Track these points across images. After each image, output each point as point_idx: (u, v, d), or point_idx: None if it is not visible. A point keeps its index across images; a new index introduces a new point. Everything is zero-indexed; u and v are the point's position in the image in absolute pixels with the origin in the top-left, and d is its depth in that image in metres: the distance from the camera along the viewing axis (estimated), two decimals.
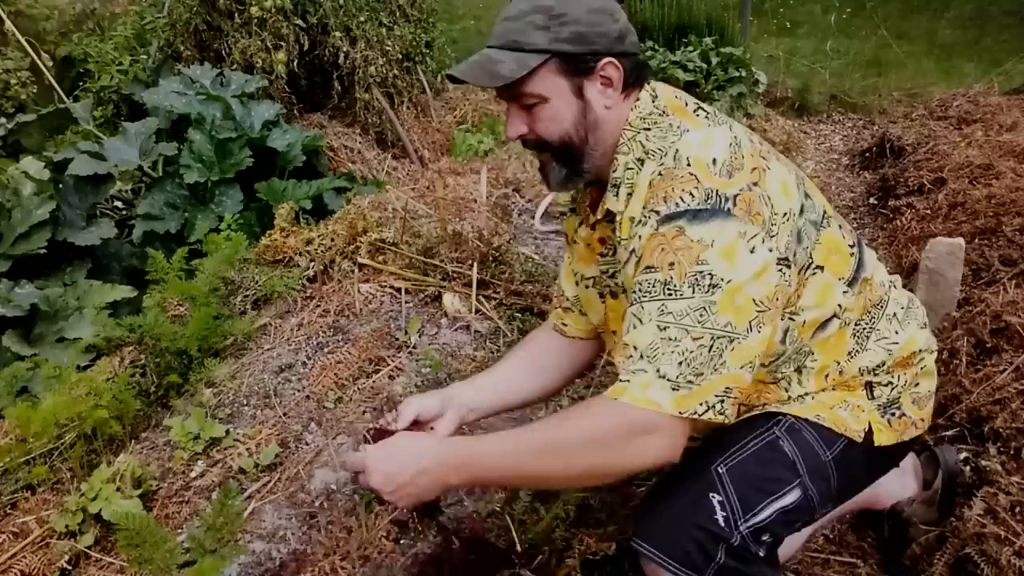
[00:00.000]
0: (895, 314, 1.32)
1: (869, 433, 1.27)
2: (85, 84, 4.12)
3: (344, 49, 4.00)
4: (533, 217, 3.21)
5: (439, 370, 2.13)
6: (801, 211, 1.17)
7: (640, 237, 1.11)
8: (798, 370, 1.27)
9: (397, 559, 1.57)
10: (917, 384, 1.34)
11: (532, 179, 3.44)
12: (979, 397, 1.77)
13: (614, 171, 1.20)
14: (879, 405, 1.30)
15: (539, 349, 1.51)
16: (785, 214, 1.13)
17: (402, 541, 1.63)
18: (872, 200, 3.72)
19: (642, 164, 1.16)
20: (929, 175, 3.23)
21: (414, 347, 2.26)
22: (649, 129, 1.18)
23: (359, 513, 1.64)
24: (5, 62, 3.92)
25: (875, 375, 1.29)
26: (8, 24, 3.99)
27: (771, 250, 1.08)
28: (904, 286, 2.60)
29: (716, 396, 1.06)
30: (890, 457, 1.37)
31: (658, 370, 1.04)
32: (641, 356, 1.06)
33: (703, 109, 1.21)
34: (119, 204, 3.53)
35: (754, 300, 1.07)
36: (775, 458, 1.19)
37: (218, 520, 1.41)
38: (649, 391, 1.04)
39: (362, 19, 4.04)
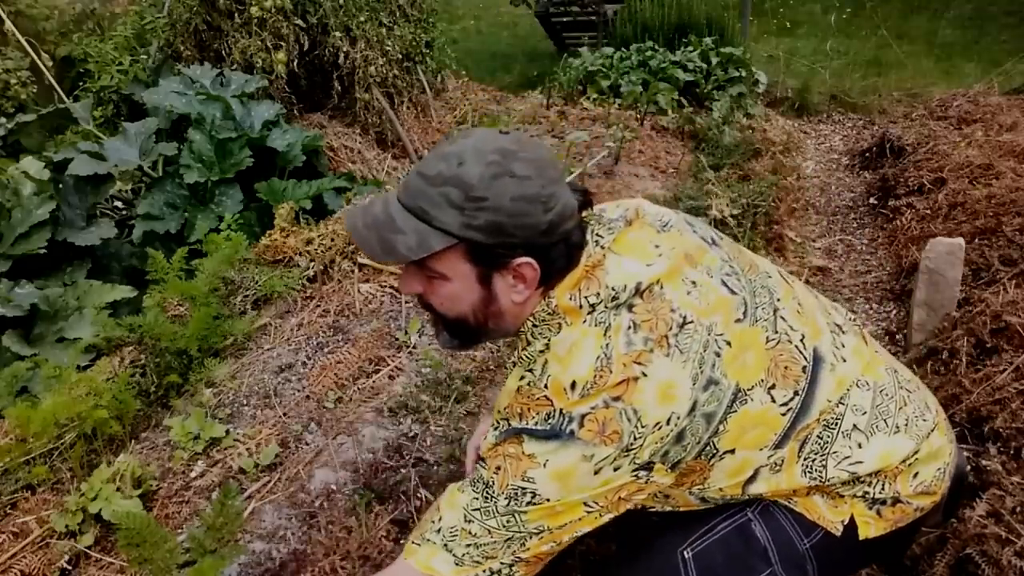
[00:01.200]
0: (854, 425, 1.09)
1: (852, 526, 1.10)
2: (85, 84, 4.12)
3: (344, 49, 4.00)
4: None
5: (439, 370, 2.13)
6: (692, 409, 0.99)
7: (488, 441, 1.05)
8: (748, 496, 1.13)
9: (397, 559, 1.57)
10: (916, 475, 1.13)
11: None
12: (979, 397, 1.77)
13: (525, 347, 1.09)
14: (866, 503, 1.12)
15: None
16: (657, 424, 0.97)
17: (402, 541, 1.62)
18: (872, 200, 3.72)
19: (515, 366, 1.08)
20: (929, 175, 3.23)
21: (414, 347, 2.26)
22: (536, 326, 1.06)
23: (359, 513, 1.64)
24: (5, 62, 3.92)
25: (849, 487, 1.11)
26: (8, 24, 3.99)
27: (618, 468, 0.98)
28: (904, 286, 2.61)
29: (503, 563, 1.04)
30: (876, 549, 1.16)
31: (446, 546, 1.04)
32: (439, 531, 1.06)
33: (591, 300, 1.02)
34: (119, 204, 3.53)
35: (584, 503, 1.00)
36: (746, 543, 1.10)
37: (218, 520, 1.41)
38: (433, 560, 1.05)
39: (362, 19, 4.04)
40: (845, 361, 1.13)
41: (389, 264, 1.04)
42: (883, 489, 1.11)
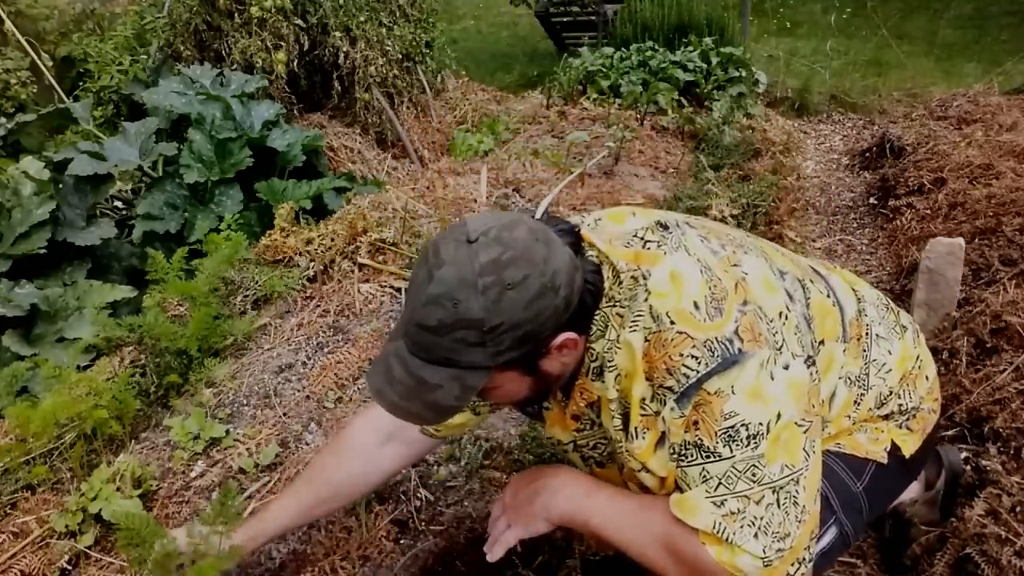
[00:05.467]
0: (878, 334, 1.23)
1: (895, 449, 1.22)
2: (85, 84, 4.12)
3: (344, 49, 4.00)
4: (533, 217, 3.20)
5: None
6: (789, 296, 1.07)
7: (664, 419, 1.00)
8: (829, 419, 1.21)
9: (397, 559, 1.57)
10: (927, 377, 1.29)
11: (532, 179, 3.44)
12: (979, 397, 1.77)
13: (592, 359, 1.07)
14: (896, 423, 1.25)
15: (366, 454, 1.37)
16: (781, 313, 1.02)
17: (402, 541, 1.62)
18: (872, 200, 3.72)
19: (621, 340, 1.02)
20: (929, 175, 3.23)
21: None
22: (616, 301, 1.03)
23: (359, 513, 1.64)
24: (5, 62, 3.92)
25: (884, 407, 1.23)
26: (8, 24, 3.99)
27: (787, 366, 0.98)
28: (904, 286, 2.61)
29: (805, 548, 0.98)
30: (919, 461, 1.31)
31: (741, 546, 0.95)
32: (713, 533, 0.97)
33: (650, 238, 1.06)
34: (119, 204, 3.53)
35: (796, 423, 0.97)
36: None
37: (218, 520, 1.40)
38: (738, 560, 0.96)
39: (362, 19, 4.04)
40: (830, 271, 1.28)
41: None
42: (910, 398, 1.25)
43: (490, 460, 1.87)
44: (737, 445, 0.95)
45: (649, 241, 1.06)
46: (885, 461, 1.20)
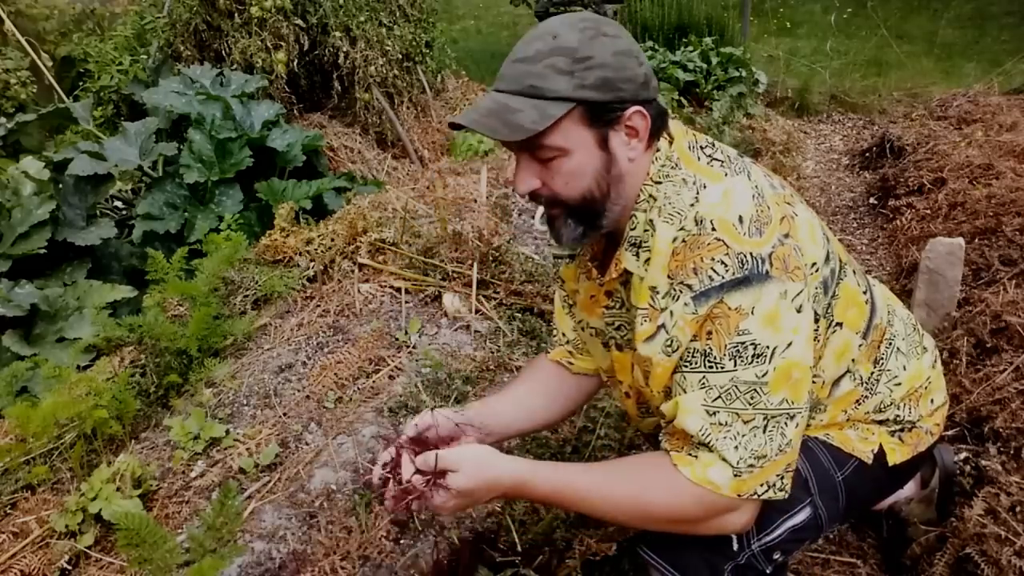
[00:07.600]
0: (899, 348, 1.27)
1: (881, 454, 1.25)
2: (85, 84, 4.13)
3: (344, 49, 4.00)
4: (533, 217, 3.21)
5: (439, 370, 2.13)
6: (826, 259, 1.11)
7: (672, 313, 1.03)
8: (828, 404, 1.24)
9: (397, 559, 1.57)
10: (931, 400, 1.32)
11: None
12: (979, 397, 1.77)
13: (632, 228, 1.10)
14: (889, 430, 1.28)
15: (549, 377, 1.42)
16: (814, 264, 1.07)
17: (402, 541, 1.62)
18: (872, 200, 3.72)
19: (653, 225, 1.06)
20: (929, 175, 3.23)
21: (414, 347, 2.26)
22: (660, 183, 1.08)
23: (359, 513, 1.64)
24: (5, 62, 3.93)
25: (882, 413, 1.26)
26: (8, 24, 4.00)
27: (802, 307, 1.02)
28: (904, 286, 2.61)
29: (777, 475, 1.03)
30: (905, 472, 1.34)
31: (720, 454, 1.01)
32: (699, 441, 1.02)
33: (718, 157, 1.11)
34: (119, 204, 3.53)
35: (809, 367, 1.03)
36: None
37: (218, 520, 1.41)
38: (709, 471, 1.01)
39: (362, 19, 4.05)
40: (873, 282, 1.32)
41: (515, 140, 1.01)
42: (910, 413, 1.27)
43: None
44: (741, 361, 0.99)
45: (716, 160, 1.10)
46: (869, 461, 1.23)
